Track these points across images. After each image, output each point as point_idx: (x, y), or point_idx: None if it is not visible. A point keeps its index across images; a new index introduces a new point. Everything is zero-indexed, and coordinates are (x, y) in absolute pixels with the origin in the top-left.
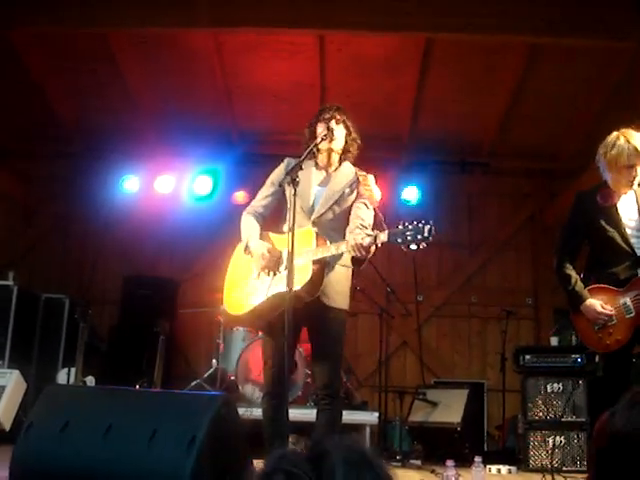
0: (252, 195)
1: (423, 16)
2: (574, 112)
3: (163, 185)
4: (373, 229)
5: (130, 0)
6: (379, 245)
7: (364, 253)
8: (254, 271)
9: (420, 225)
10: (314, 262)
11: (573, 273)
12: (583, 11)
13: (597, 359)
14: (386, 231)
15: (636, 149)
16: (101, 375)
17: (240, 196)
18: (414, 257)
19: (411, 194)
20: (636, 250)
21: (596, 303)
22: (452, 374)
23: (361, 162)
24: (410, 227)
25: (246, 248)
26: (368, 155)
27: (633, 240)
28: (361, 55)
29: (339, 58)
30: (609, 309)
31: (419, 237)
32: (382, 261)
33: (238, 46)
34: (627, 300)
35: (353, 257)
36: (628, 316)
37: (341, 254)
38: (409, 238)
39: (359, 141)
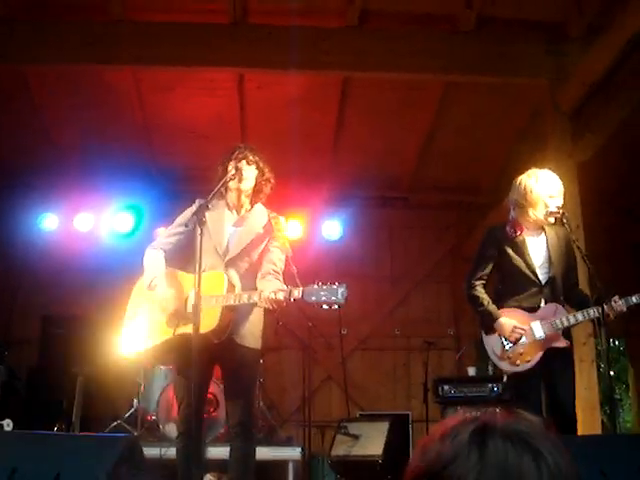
0: None
1: (339, 55)
2: (489, 146)
3: (82, 222)
4: (286, 282)
5: (47, 36)
6: (291, 300)
7: (276, 307)
8: (157, 308)
9: (334, 287)
10: (223, 307)
11: (483, 295)
12: (497, 49)
13: (505, 381)
14: (300, 289)
15: (543, 185)
16: (19, 417)
17: (161, 231)
18: None
19: (333, 229)
20: (541, 280)
21: (508, 320)
22: (377, 406)
23: (282, 198)
24: (325, 288)
25: (149, 286)
26: (289, 192)
27: (539, 270)
28: (280, 93)
29: (259, 96)
30: (521, 327)
31: (332, 299)
32: None
33: (157, 82)
34: (538, 323)
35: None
36: (538, 338)
37: (254, 303)
38: (323, 299)
39: (272, 181)
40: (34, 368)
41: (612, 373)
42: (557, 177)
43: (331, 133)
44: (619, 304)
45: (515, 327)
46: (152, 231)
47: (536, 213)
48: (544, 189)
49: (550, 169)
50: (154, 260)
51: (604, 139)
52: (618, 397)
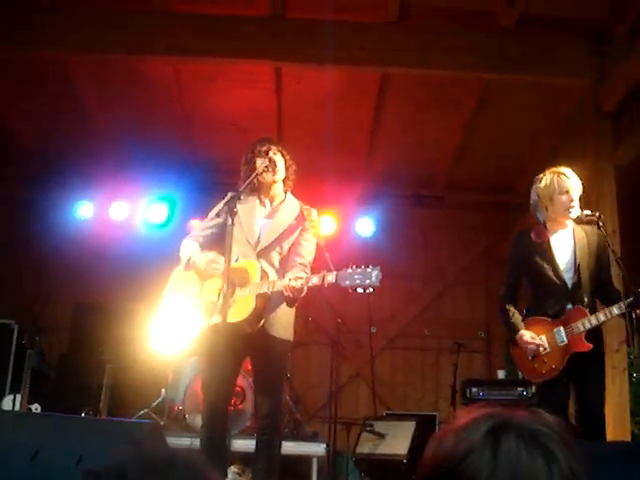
0: None
1: (377, 51)
2: (527, 146)
3: (117, 211)
4: (319, 268)
5: (88, 24)
6: (325, 285)
7: (295, 294)
8: (195, 295)
9: (368, 270)
10: (257, 296)
11: (511, 307)
12: (538, 48)
13: (534, 389)
14: (334, 273)
15: (564, 177)
16: (48, 402)
17: (196, 224)
18: None
19: (365, 227)
20: (568, 284)
21: (526, 333)
22: (404, 406)
23: (316, 194)
24: (358, 271)
25: (187, 265)
26: (323, 188)
27: (565, 275)
28: (317, 88)
29: (296, 90)
30: (539, 339)
31: (367, 282)
32: (335, 292)
33: (197, 74)
34: (560, 329)
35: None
36: (560, 344)
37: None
38: (357, 282)
39: (294, 167)
40: (65, 354)
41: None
42: (570, 171)
43: (367, 130)
44: None
45: (532, 341)
46: (186, 222)
47: (552, 210)
48: (557, 185)
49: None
50: (188, 247)
51: None
52: None
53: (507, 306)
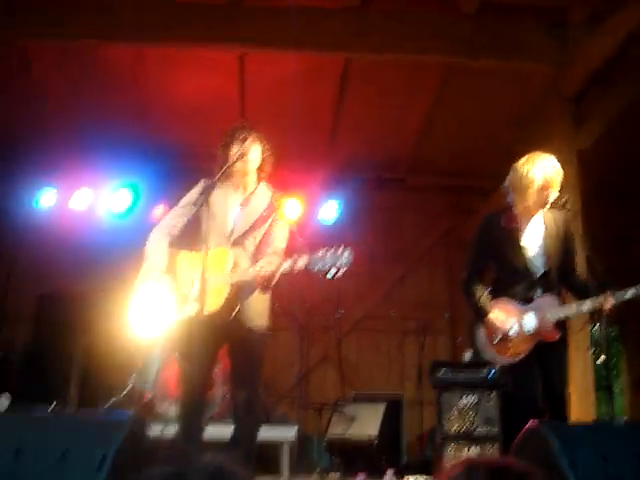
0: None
1: (339, 36)
2: (489, 130)
3: (79, 200)
4: (293, 253)
5: (49, 9)
6: (296, 270)
7: (266, 282)
8: (167, 285)
9: (339, 252)
10: (229, 285)
11: (476, 288)
12: (499, 33)
13: (499, 367)
14: (305, 257)
15: (549, 170)
16: (15, 393)
17: (159, 211)
18: None
19: (330, 210)
20: (535, 272)
21: (501, 314)
22: (372, 387)
23: (280, 179)
24: (329, 254)
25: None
26: (286, 172)
27: (535, 261)
28: (280, 73)
29: (258, 75)
30: (509, 323)
31: (338, 263)
32: (301, 277)
33: (157, 60)
34: (530, 315)
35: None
36: (528, 331)
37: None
38: (328, 264)
39: (272, 157)
40: (29, 344)
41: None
42: (555, 162)
43: (330, 114)
44: (616, 297)
45: (503, 323)
46: (149, 209)
47: (530, 199)
48: (539, 174)
49: (552, 155)
50: (157, 251)
51: (605, 126)
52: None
53: (473, 287)
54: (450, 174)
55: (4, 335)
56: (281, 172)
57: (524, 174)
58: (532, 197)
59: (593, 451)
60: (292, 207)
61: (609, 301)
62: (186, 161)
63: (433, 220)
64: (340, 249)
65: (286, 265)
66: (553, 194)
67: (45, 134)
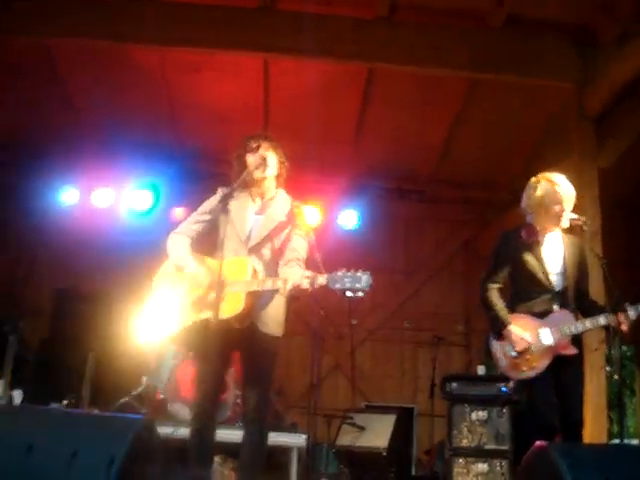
0: (190, 212)
1: (365, 46)
2: (510, 144)
3: (101, 198)
4: (309, 267)
5: (74, 11)
6: (315, 287)
7: (300, 295)
8: (184, 291)
9: (358, 275)
10: (247, 293)
11: (496, 299)
12: (524, 48)
13: (512, 384)
14: (325, 275)
15: (558, 187)
16: (30, 389)
17: (180, 212)
18: None
19: (349, 219)
20: (555, 287)
21: (515, 329)
22: (383, 398)
23: (301, 186)
24: (349, 275)
25: (178, 266)
26: (307, 179)
27: (554, 278)
28: (305, 81)
29: (282, 82)
30: (528, 337)
31: (357, 286)
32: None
33: (183, 63)
34: (547, 330)
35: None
36: (546, 345)
37: (276, 290)
38: (347, 286)
39: (287, 163)
40: (46, 340)
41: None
42: (566, 182)
43: (353, 123)
44: (630, 312)
45: (523, 339)
46: (169, 210)
47: (547, 218)
48: (554, 194)
49: (573, 173)
50: (179, 244)
51: (626, 146)
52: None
53: (491, 299)
54: (470, 187)
55: (22, 330)
56: (301, 179)
57: (536, 195)
58: (546, 217)
59: (598, 474)
60: (311, 214)
61: (624, 319)
62: (206, 164)
63: (452, 232)
64: (360, 272)
65: (305, 283)
66: (566, 211)
67: (68, 133)
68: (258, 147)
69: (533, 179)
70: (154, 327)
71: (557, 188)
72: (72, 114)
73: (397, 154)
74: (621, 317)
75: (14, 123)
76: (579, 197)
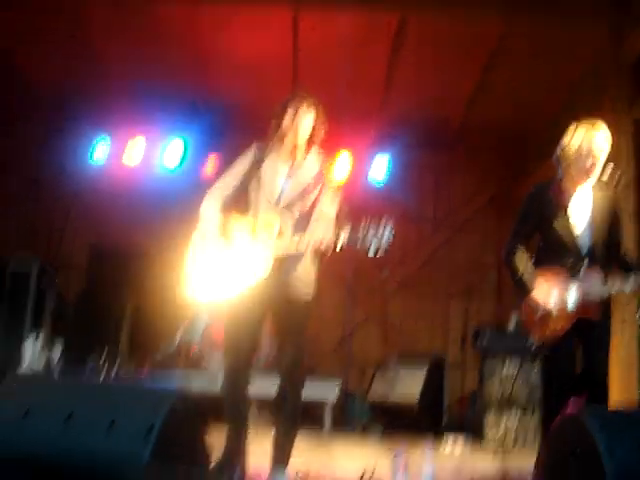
0: (222, 166)
1: None
2: (544, 94)
3: (133, 153)
4: (339, 225)
5: None
6: (339, 246)
7: (325, 252)
8: (220, 252)
9: (379, 229)
10: (276, 254)
11: (520, 263)
12: None
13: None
14: (348, 233)
15: (594, 137)
16: (68, 342)
17: (210, 166)
18: None
19: (379, 169)
20: (582, 246)
21: (540, 291)
22: (415, 349)
23: (330, 137)
24: (369, 231)
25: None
26: (337, 131)
27: (580, 236)
28: (334, 33)
29: (313, 35)
30: (553, 299)
31: (378, 241)
32: None
33: (212, 17)
34: (574, 290)
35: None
36: (570, 308)
37: (305, 249)
38: (368, 242)
39: (326, 125)
40: (82, 295)
41: None
42: (603, 130)
43: (383, 72)
44: None
45: (546, 301)
46: (199, 164)
47: (580, 170)
48: (584, 142)
49: (607, 123)
50: (211, 214)
51: None
52: None
53: (514, 262)
54: (502, 137)
55: (58, 284)
56: (331, 129)
57: (568, 142)
58: (576, 166)
59: (632, 439)
60: (341, 164)
61: None
62: (238, 119)
63: (484, 182)
64: (381, 225)
65: (329, 243)
66: (598, 164)
67: (99, 86)
68: (297, 108)
69: (572, 126)
70: (197, 287)
71: (595, 138)
72: (102, 71)
73: (428, 103)
74: None
75: (47, 81)
76: (613, 147)
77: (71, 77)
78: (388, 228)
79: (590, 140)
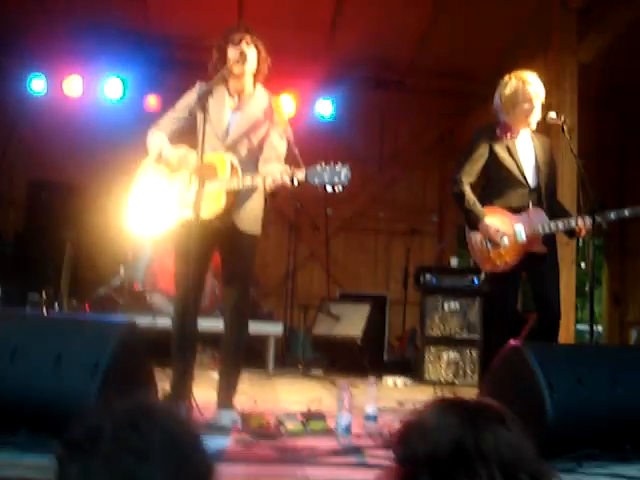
0: (163, 100)
1: None
2: (491, 35)
3: (72, 87)
4: (288, 163)
5: None
6: (295, 184)
7: (280, 190)
8: (165, 186)
9: (337, 169)
10: (227, 191)
11: (469, 194)
12: None
13: (483, 276)
14: (304, 171)
15: (528, 85)
16: (7, 279)
17: (152, 101)
18: None
19: (325, 108)
20: (530, 184)
21: (491, 224)
22: (357, 287)
23: (276, 74)
24: (328, 169)
25: (159, 157)
26: (283, 68)
27: (527, 175)
28: None
29: None
30: (503, 231)
31: (336, 180)
32: None
33: None
34: (521, 226)
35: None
36: (520, 241)
37: (255, 187)
38: (326, 180)
39: (269, 60)
40: (21, 232)
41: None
42: (537, 79)
43: (330, 9)
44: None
45: (498, 230)
46: (142, 99)
47: (517, 117)
48: (524, 92)
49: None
50: (158, 139)
51: (607, 41)
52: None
53: (465, 193)
54: (448, 78)
55: None
56: (277, 67)
57: (506, 93)
58: (515, 114)
59: (569, 374)
60: (286, 104)
61: (584, 225)
62: (177, 52)
63: (429, 123)
64: (339, 165)
65: (285, 179)
66: (535, 110)
67: (36, 21)
68: (240, 40)
69: (505, 77)
70: (136, 221)
71: (527, 87)
72: (38, 4)
73: (375, 43)
74: (582, 222)
75: None
76: (558, 90)
77: (8, 8)
78: (345, 168)
79: (525, 87)
